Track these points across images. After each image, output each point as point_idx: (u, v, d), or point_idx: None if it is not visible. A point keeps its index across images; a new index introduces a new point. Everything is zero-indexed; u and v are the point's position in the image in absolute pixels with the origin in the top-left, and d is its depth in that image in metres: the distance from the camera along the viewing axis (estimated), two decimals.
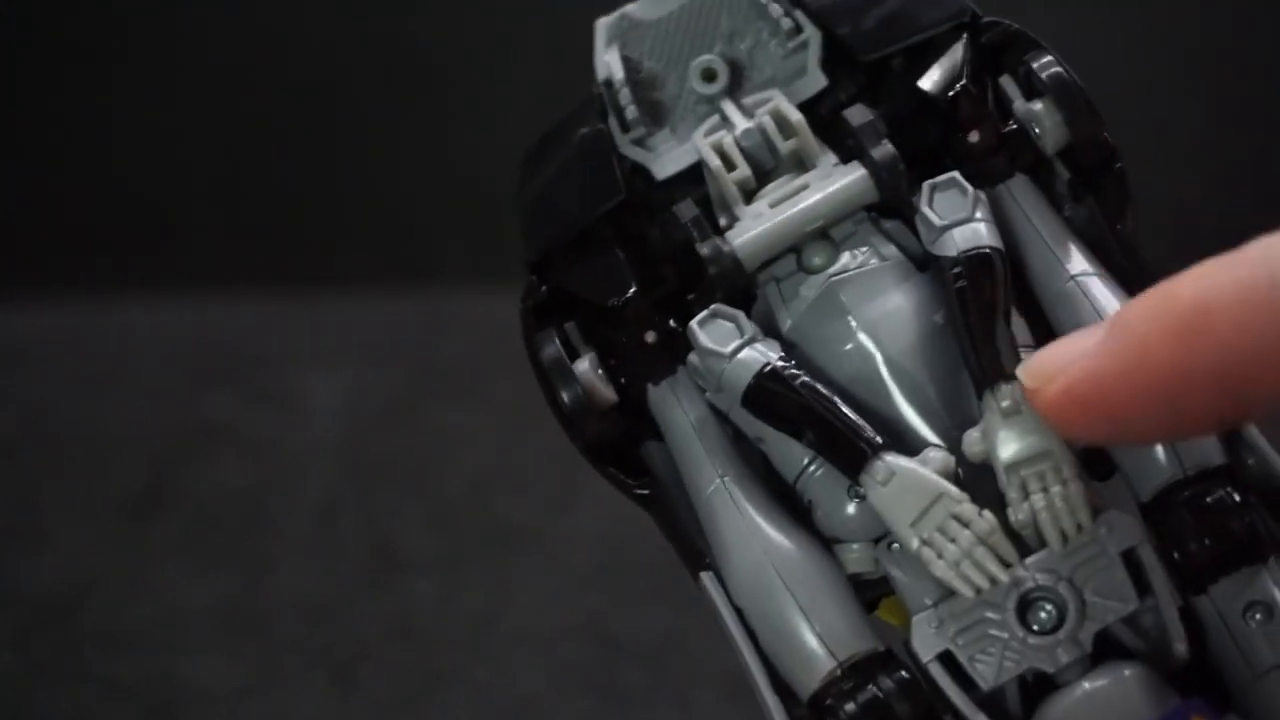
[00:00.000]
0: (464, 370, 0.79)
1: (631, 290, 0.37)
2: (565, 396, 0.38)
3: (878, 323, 0.36)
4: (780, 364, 0.35)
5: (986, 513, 0.34)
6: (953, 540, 0.34)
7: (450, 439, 0.74)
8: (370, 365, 0.79)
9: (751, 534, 0.36)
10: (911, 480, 0.34)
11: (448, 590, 0.66)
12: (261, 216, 0.90)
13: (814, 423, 0.35)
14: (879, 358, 0.36)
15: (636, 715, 0.61)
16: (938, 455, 0.35)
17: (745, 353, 0.36)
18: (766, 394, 0.36)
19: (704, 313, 0.36)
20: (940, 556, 0.34)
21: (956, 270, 0.35)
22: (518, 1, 0.94)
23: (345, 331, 0.82)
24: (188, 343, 0.80)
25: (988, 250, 0.35)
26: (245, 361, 0.79)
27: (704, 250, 0.37)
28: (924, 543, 0.34)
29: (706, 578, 0.37)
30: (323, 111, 0.92)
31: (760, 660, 0.36)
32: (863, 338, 0.36)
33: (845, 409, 0.35)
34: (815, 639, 0.35)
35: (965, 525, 0.34)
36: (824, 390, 0.35)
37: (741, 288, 0.37)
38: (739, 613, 0.37)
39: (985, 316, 0.35)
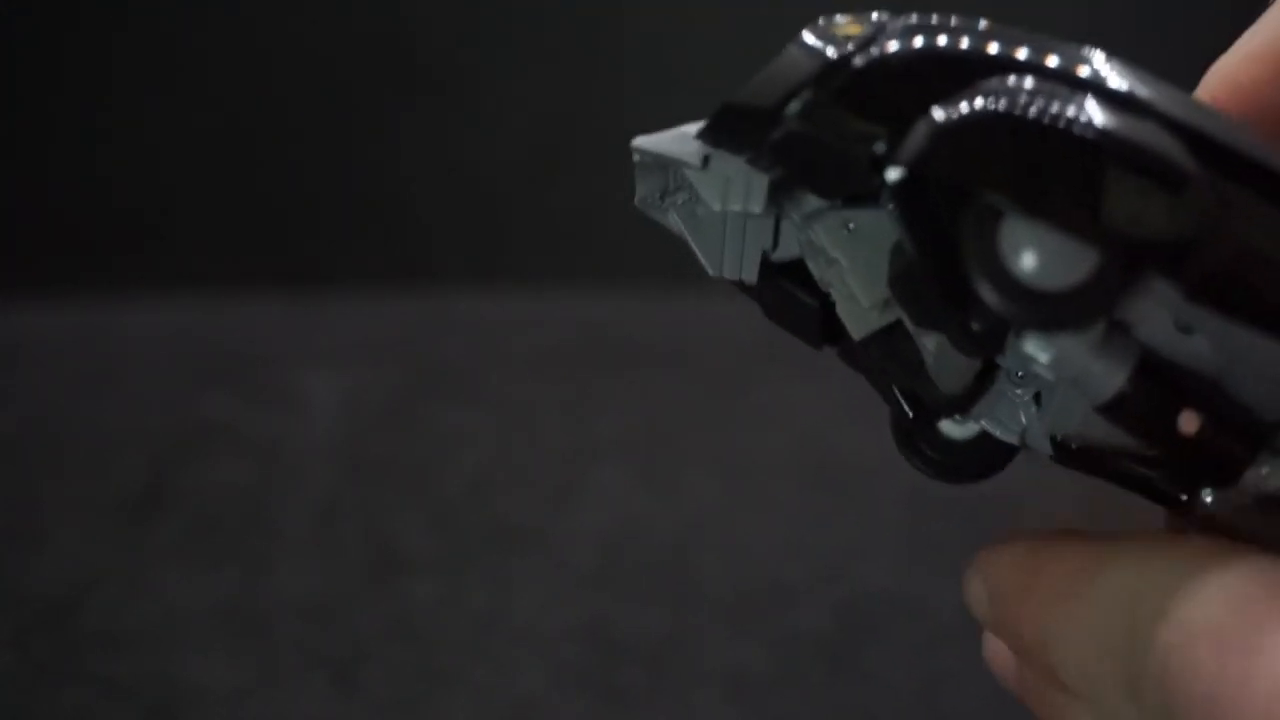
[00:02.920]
0: (464, 370, 0.79)
1: None
2: None
3: None
4: None
5: None
6: None
7: (450, 439, 0.74)
8: (370, 365, 0.79)
9: None
10: None
11: (448, 590, 0.66)
12: (261, 216, 0.90)
13: None
14: None
15: (636, 715, 0.61)
16: None
17: None
18: None
19: None
20: None
21: None
22: (518, 2, 0.94)
23: (345, 331, 0.82)
24: (188, 343, 0.80)
25: None
26: (245, 361, 0.79)
27: None
28: None
29: None
30: (322, 111, 0.92)
31: None
32: None
33: None
34: None
35: None
36: None
37: None
38: None
39: None
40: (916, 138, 0.30)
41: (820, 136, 0.31)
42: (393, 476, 0.72)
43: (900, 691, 0.62)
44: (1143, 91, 0.31)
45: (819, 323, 0.35)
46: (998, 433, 0.35)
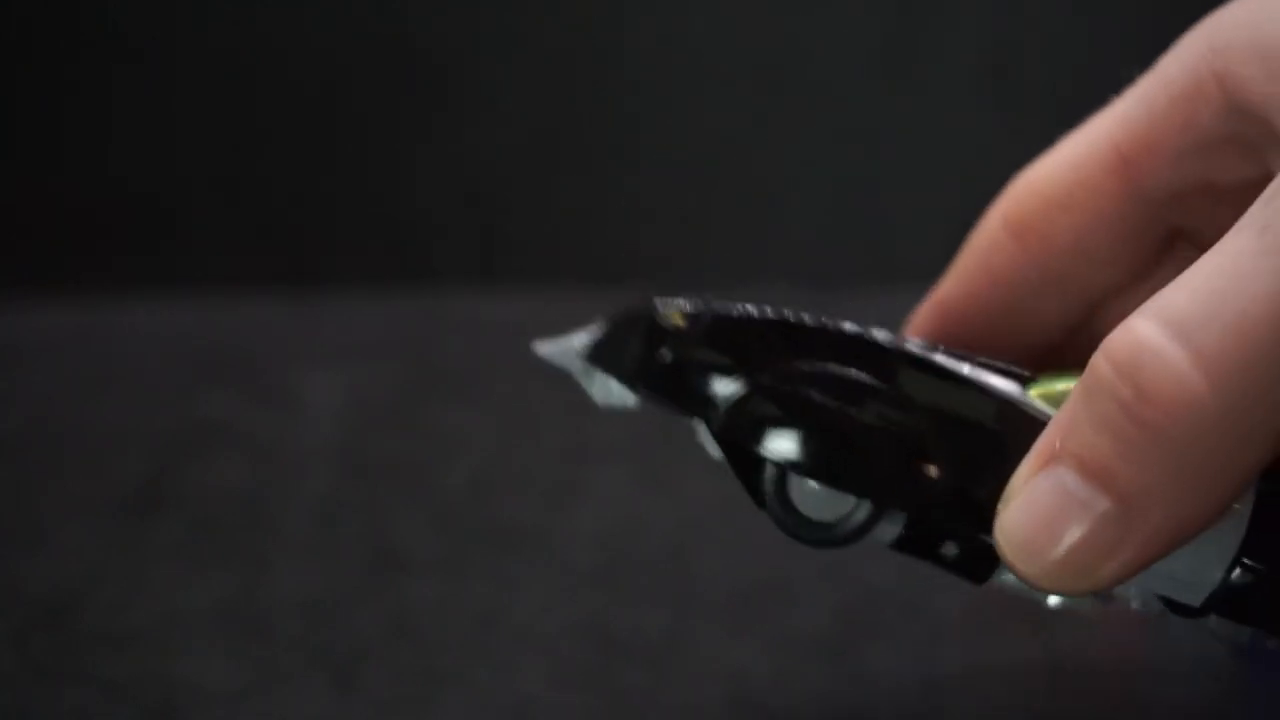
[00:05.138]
0: (464, 370, 0.79)
1: None
2: None
3: None
4: None
5: None
6: None
7: (450, 439, 0.74)
8: (370, 365, 0.79)
9: None
10: None
11: (448, 590, 0.66)
12: (261, 216, 0.90)
13: None
14: None
15: (636, 715, 0.61)
16: None
17: None
18: None
19: None
20: None
21: None
22: (518, 2, 0.94)
23: (345, 331, 0.82)
24: (188, 343, 0.80)
25: None
26: (245, 361, 0.79)
27: None
28: None
29: None
30: (322, 111, 0.92)
31: None
32: None
33: None
34: None
35: None
36: None
37: None
38: None
39: None
40: (721, 416, 0.43)
41: (657, 394, 0.45)
42: (393, 476, 0.72)
43: (900, 691, 0.62)
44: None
45: None
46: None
